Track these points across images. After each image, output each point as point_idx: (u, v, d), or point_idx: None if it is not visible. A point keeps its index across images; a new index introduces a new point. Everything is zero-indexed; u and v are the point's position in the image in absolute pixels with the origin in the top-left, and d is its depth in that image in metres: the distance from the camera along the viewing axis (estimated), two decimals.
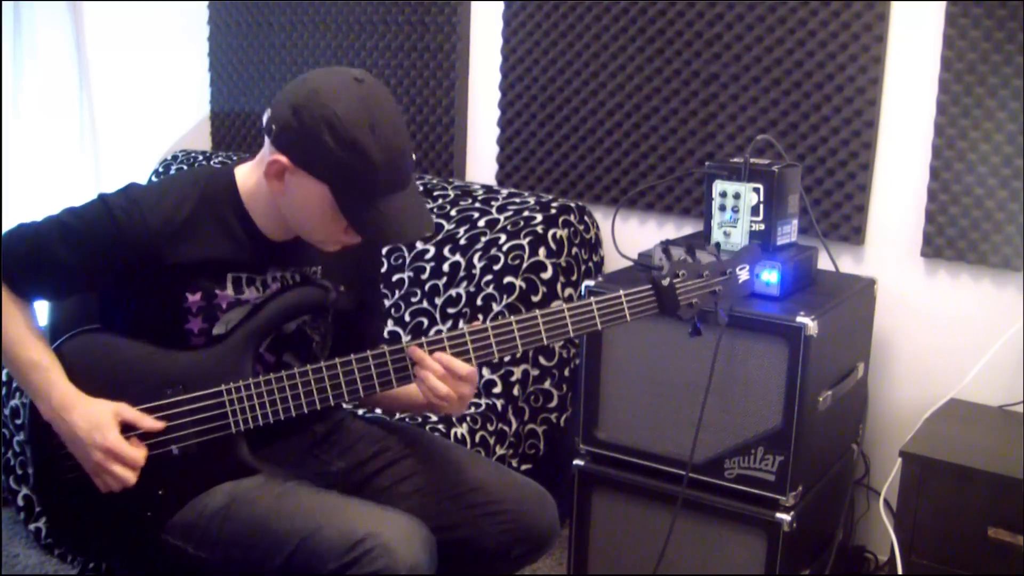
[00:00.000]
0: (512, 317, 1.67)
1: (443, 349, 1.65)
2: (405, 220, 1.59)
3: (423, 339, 1.66)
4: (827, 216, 2.55)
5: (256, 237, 1.69)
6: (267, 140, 1.60)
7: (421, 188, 2.89)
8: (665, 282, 1.72)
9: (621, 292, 1.71)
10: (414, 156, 1.66)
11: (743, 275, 1.78)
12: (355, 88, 1.55)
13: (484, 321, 1.69)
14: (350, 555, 1.53)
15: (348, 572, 1.53)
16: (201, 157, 3.36)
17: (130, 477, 1.62)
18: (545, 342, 1.69)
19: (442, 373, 1.63)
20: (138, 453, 1.62)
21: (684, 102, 2.70)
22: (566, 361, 2.68)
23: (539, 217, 2.67)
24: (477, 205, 2.78)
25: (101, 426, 1.60)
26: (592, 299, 1.70)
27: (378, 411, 2.15)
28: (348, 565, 1.53)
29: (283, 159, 1.56)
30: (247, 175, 1.69)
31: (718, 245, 1.82)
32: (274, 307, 1.70)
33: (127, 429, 1.64)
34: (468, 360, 1.66)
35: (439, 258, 2.72)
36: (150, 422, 1.64)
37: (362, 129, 1.52)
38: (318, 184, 1.56)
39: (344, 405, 1.93)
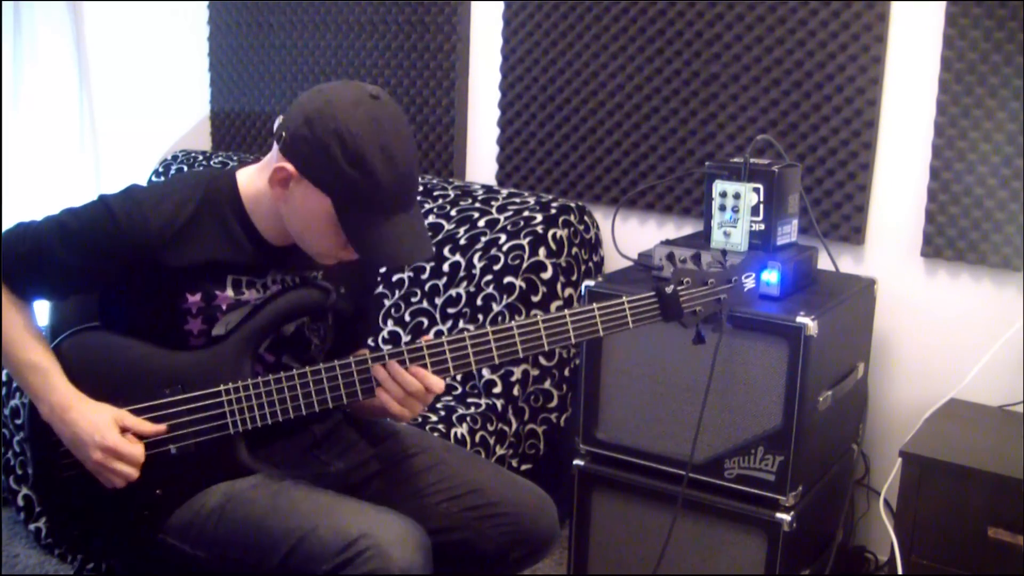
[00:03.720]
0: (513, 322, 1.67)
1: (443, 352, 1.65)
2: (403, 243, 1.59)
3: (423, 342, 1.66)
4: (827, 216, 2.55)
5: (257, 241, 1.69)
6: (275, 146, 1.60)
7: (421, 188, 2.88)
8: (669, 289, 1.71)
9: (624, 299, 1.69)
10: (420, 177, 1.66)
11: (748, 283, 1.77)
12: (370, 105, 1.54)
13: (484, 323, 1.69)
14: (344, 555, 1.53)
15: (341, 572, 1.53)
16: (201, 157, 3.36)
17: (131, 473, 1.62)
18: (546, 348, 1.68)
19: (419, 388, 1.63)
20: (136, 449, 1.63)
21: (684, 102, 2.69)
22: (566, 361, 2.68)
23: (539, 217, 2.67)
24: (477, 205, 2.78)
25: (100, 426, 1.61)
26: (595, 305, 1.68)
27: None
28: (341, 565, 1.53)
29: (289, 167, 1.56)
30: (250, 180, 1.69)
31: (724, 252, 1.81)
32: (274, 308, 1.70)
33: (127, 432, 1.64)
34: (467, 364, 1.66)
35: (439, 258, 2.72)
36: (149, 427, 1.65)
37: (372, 147, 1.52)
38: (322, 196, 1.56)
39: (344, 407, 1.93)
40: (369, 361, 1.66)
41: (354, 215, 1.56)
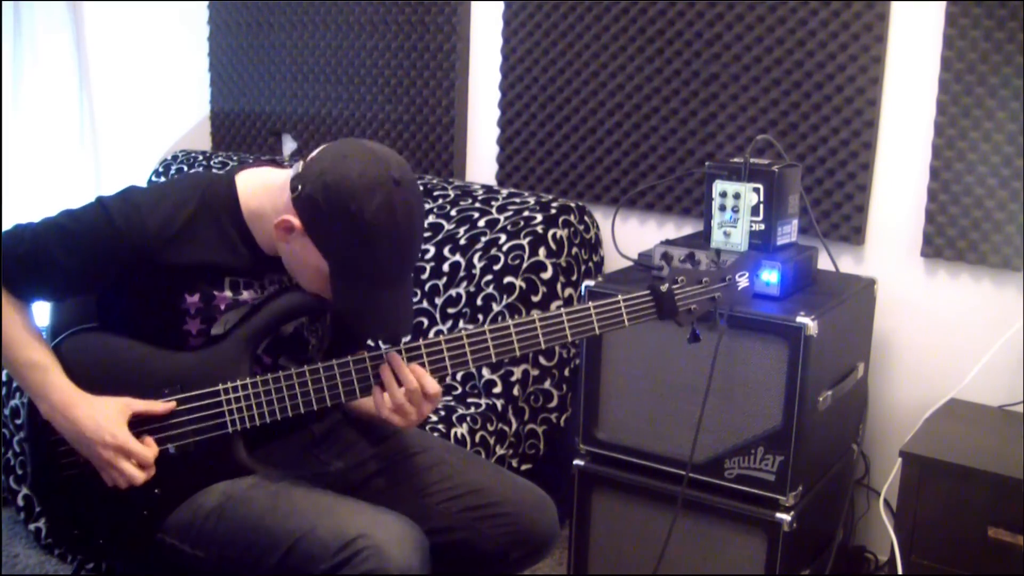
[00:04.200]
0: (510, 321, 1.67)
1: (439, 351, 1.65)
2: (386, 319, 1.62)
3: (421, 342, 1.66)
4: (827, 216, 2.55)
5: (254, 250, 1.69)
6: (288, 192, 1.60)
7: (421, 188, 2.88)
8: (664, 288, 1.72)
9: (620, 297, 1.70)
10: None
11: (742, 282, 1.78)
12: (390, 192, 1.54)
13: (483, 323, 1.69)
14: (341, 555, 1.54)
15: (339, 572, 1.53)
16: (201, 157, 3.36)
17: (139, 475, 1.62)
18: (543, 347, 1.69)
19: (415, 388, 1.63)
20: (149, 450, 1.63)
21: (684, 102, 2.69)
22: (566, 361, 2.68)
23: (539, 217, 2.67)
24: (477, 205, 2.78)
25: (110, 423, 1.61)
26: (591, 304, 1.70)
27: None
28: (339, 565, 1.53)
29: (296, 222, 1.58)
30: (252, 194, 1.68)
31: (718, 252, 1.81)
32: (272, 309, 1.70)
33: (136, 424, 1.64)
34: (465, 363, 1.66)
35: (439, 258, 2.72)
36: (160, 405, 1.65)
37: (382, 234, 1.54)
38: (320, 256, 1.58)
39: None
40: (368, 360, 1.66)
41: (347, 282, 1.59)
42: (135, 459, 1.62)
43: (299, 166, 1.60)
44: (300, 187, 1.57)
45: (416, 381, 1.63)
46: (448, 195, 2.85)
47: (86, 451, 1.64)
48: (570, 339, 1.69)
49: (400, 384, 1.64)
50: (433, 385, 1.65)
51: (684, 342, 1.81)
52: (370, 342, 2.25)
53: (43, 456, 1.70)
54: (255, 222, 1.68)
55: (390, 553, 1.53)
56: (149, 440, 1.64)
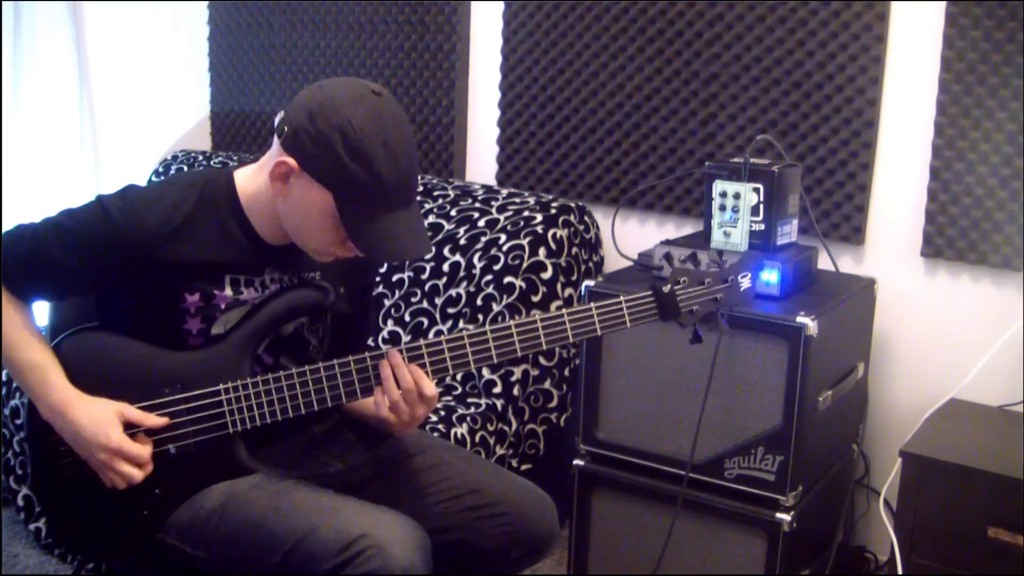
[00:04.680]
0: (512, 321, 1.67)
1: (440, 351, 1.65)
2: (404, 239, 1.59)
3: (422, 342, 1.66)
4: (827, 216, 2.55)
5: (254, 240, 1.69)
6: (276, 141, 1.59)
7: (421, 187, 2.88)
8: (666, 289, 1.72)
9: (622, 298, 1.70)
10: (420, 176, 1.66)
11: (745, 283, 1.78)
12: (372, 101, 1.55)
13: (484, 323, 1.69)
14: (344, 555, 1.53)
15: (342, 572, 1.53)
16: (201, 157, 3.36)
17: (136, 475, 1.62)
18: (544, 347, 1.68)
19: (408, 386, 1.63)
20: (144, 450, 1.63)
21: (684, 102, 2.69)
22: (566, 361, 2.68)
23: (539, 217, 2.67)
24: (477, 205, 2.78)
25: (105, 425, 1.61)
26: (592, 304, 1.69)
27: None
28: (342, 565, 1.53)
29: (291, 161, 1.56)
30: (247, 179, 1.69)
31: (720, 252, 1.81)
32: (273, 308, 1.70)
33: (130, 427, 1.64)
34: (466, 364, 1.66)
35: (439, 258, 2.72)
36: (154, 420, 1.65)
37: (374, 143, 1.53)
38: (323, 191, 1.56)
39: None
40: (368, 360, 1.66)
41: (355, 210, 1.56)
42: (132, 459, 1.62)
43: (280, 114, 1.59)
44: (286, 127, 1.56)
45: (413, 382, 1.63)
46: (448, 195, 2.85)
47: (84, 453, 1.64)
48: (572, 340, 1.69)
49: (399, 384, 1.63)
50: (430, 387, 1.64)
51: (684, 342, 1.81)
52: (371, 341, 2.25)
53: (43, 456, 1.70)
54: (254, 209, 1.67)
55: (393, 553, 1.53)
56: (143, 438, 1.64)
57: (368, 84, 1.57)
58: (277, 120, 1.60)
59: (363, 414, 1.87)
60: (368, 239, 1.58)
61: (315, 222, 1.60)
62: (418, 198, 1.67)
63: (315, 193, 1.57)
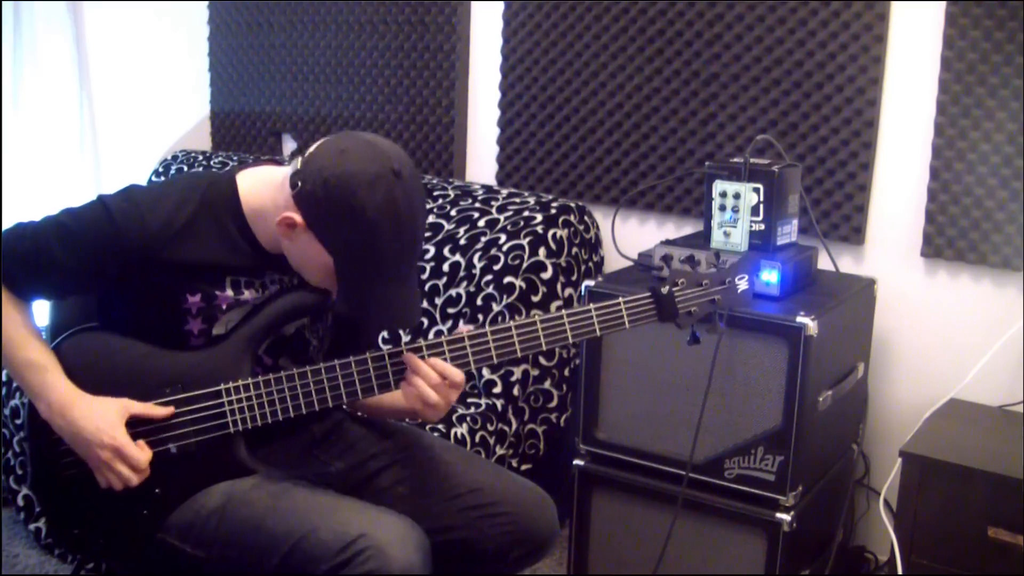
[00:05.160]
0: (512, 322, 1.68)
1: (442, 353, 1.65)
2: (393, 309, 1.62)
3: (422, 342, 1.66)
4: (827, 216, 2.55)
5: (254, 246, 1.69)
6: (287, 184, 1.60)
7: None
8: (664, 290, 1.73)
9: (620, 300, 1.71)
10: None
11: (742, 284, 1.79)
12: (390, 184, 1.54)
13: (484, 323, 1.69)
14: (343, 555, 1.53)
15: (341, 572, 1.53)
16: (201, 157, 3.36)
17: (133, 478, 1.62)
18: (544, 348, 1.69)
19: (437, 381, 1.64)
20: (143, 455, 1.62)
21: (684, 102, 2.69)
22: (566, 361, 2.68)
23: (539, 217, 2.67)
24: (477, 205, 2.78)
25: (108, 424, 1.61)
26: (591, 305, 1.70)
27: None
28: (341, 565, 1.53)
29: (298, 219, 1.58)
30: (253, 192, 1.68)
31: (717, 254, 1.82)
32: (274, 309, 1.70)
33: (133, 424, 1.64)
34: (467, 364, 1.66)
35: (439, 258, 2.72)
36: (160, 410, 1.65)
37: (384, 228, 1.54)
38: (324, 251, 1.59)
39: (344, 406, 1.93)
40: (370, 361, 1.66)
41: (352, 277, 1.59)
42: (131, 462, 1.61)
43: (298, 162, 1.59)
44: (300, 184, 1.57)
45: (436, 374, 1.64)
46: (448, 195, 2.85)
47: (83, 452, 1.63)
48: (571, 341, 1.70)
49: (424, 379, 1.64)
50: (456, 373, 1.65)
51: (684, 342, 1.82)
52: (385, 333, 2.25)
53: (43, 456, 1.70)
54: (256, 220, 1.68)
55: (392, 553, 1.53)
56: (143, 444, 1.63)
57: (390, 159, 1.56)
58: (291, 170, 1.59)
59: (373, 408, 1.87)
60: (359, 304, 1.61)
61: (315, 270, 1.64)
62: (417, 266, 1.70)
63: (316, 249, 1.60)
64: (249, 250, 1.69)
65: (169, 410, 1.65)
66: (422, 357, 1.65)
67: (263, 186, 1.68)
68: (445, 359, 1.66)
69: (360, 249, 1.55)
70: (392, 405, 1.85)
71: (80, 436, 1.62)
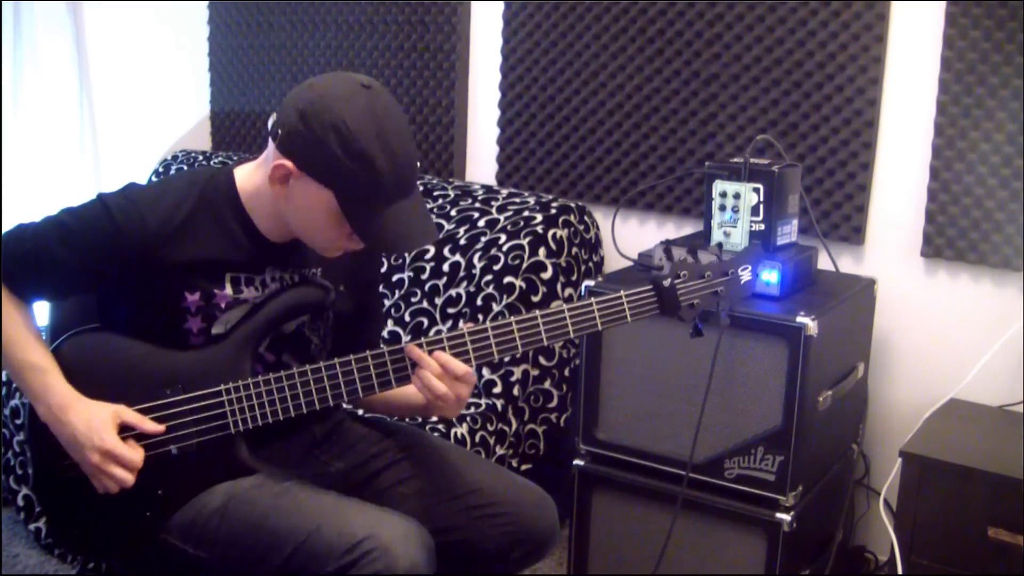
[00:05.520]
0: (512, 317, 1.67)
1: (443, 349, 1.65)
2: (409, 229, 1.59)
3: (423, 339, 1.66)
4: (827, 216, 2.55)
5: (255, 238, 1.69)
6: (271, 144, 1.60)
7: (421, 188, 2.88)
8: (666, 283, 1.71)
9: (622, 292, 1.70)
10: (419, 164, 1.66)
11: (745, 276, 1.78)
12: (362, 95, 1.54)
13: (484, 321, 1.69)
14: (349, 556, 1.53)
15: (347, 573, 1.53)
16: (201, 157, 3.36)
17: (128, 479, 1.62)
18: (545, 343, 1.68)
19: (440, 372, 1.63)
20: (136, 454, 1.62)
21: (684, 102, 2.70)
22: (566, 361, 2.68)
23: (539, 217, 2.67)
24: (477, 205, 2.78)
25: (99, 428, 1.60)
26: (592, 299, 1.69)
27: None
28: (347, 566, 1.53)
29: (288, 164, 1.56)
30: (248, 177, 1.69)
31: (720, 245, 1.81)
32: (273, 307, 1.70)
33: (126, 430, 1.63)
34: (467, 360, 1.66)
35: (439, 258, 2.72)
36: (151, 425, 1.64)
37: (369, 137, 1.52)
38: (323, 190, 1.56)
39: (344, 406, 1.93)
40: (370, 359, 1.66)
41: (357, 206, 1.56)
42: (123, 463, 1.61)
43: (273, 116, 1.59)
44: (279, 130, 1.56)
45: (438, 365, 1.63)
46: (448, 195, 2.85)
47: (77, 456, 1.63)
48: (572, 335, 1.68)
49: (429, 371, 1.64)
50: (460, 366, 1.64)
51: (684, 342, 1.81)
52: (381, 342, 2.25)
53: (44, 456, 1.70)
54: (254, 205, 1.67)
55: (397, 553, 1.53)
56: (132, 442, 1.63)
57: (357, 77, 1.57)
58: (271, 123, 1.60)
59: (379, 403, 1.87)
60: (373, 233, 1.58)
61: (319, 221, 1.60)
62: (418, 184, 1.66)
63: (316, 192, 1.57)
64: (249, 244, 1.68)
65: (160, 428, 1.65)
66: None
67: (255, 170, 1.68)
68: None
69: (355, 171, 1.52)
70: (406, 401, 1.84)
71: (75, 439, 1.61)
